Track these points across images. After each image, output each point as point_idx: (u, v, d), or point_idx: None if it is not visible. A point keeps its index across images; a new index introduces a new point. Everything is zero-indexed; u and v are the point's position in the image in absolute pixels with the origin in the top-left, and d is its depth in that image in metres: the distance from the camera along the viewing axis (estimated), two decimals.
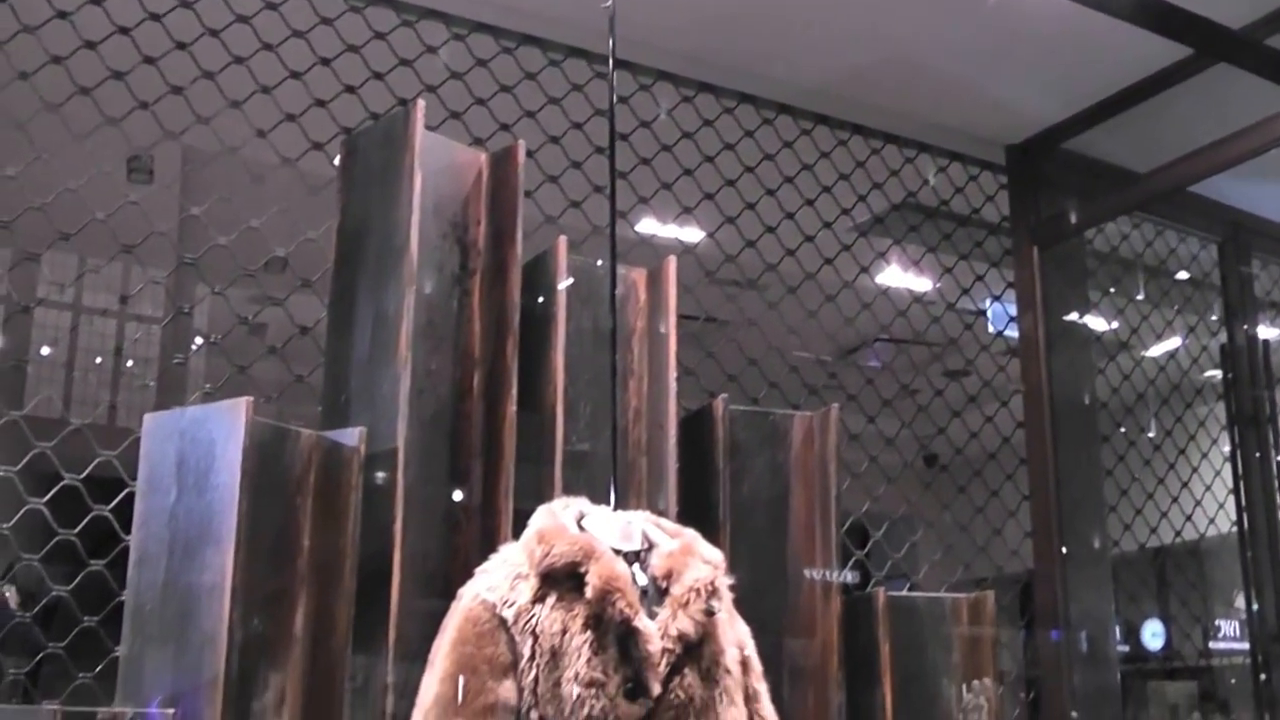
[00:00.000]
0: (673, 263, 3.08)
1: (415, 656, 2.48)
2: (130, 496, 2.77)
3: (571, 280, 2.91)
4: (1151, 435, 5.02)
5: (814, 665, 3.03)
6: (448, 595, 2.46)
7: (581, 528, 2.42)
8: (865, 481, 3.95)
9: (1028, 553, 4.33)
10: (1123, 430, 4.77)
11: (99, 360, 5.47)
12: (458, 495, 2.76)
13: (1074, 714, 4.15)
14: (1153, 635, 7.87)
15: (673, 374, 2.98)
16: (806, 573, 3.09)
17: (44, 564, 2.98)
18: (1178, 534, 4.84)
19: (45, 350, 5.04)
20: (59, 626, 3.00)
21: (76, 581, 3.00)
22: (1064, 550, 4.13)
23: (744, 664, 2.50)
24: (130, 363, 5.44)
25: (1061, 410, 4.24)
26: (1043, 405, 4.21)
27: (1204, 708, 7.37)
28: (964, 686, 3.17)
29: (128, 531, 2.64)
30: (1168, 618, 7.14)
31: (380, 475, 2.65)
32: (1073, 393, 4.32)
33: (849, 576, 3.11)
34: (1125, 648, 4.79)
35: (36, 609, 3.01)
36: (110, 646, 2.85)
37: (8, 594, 3.69)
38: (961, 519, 4.23)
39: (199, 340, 3.58)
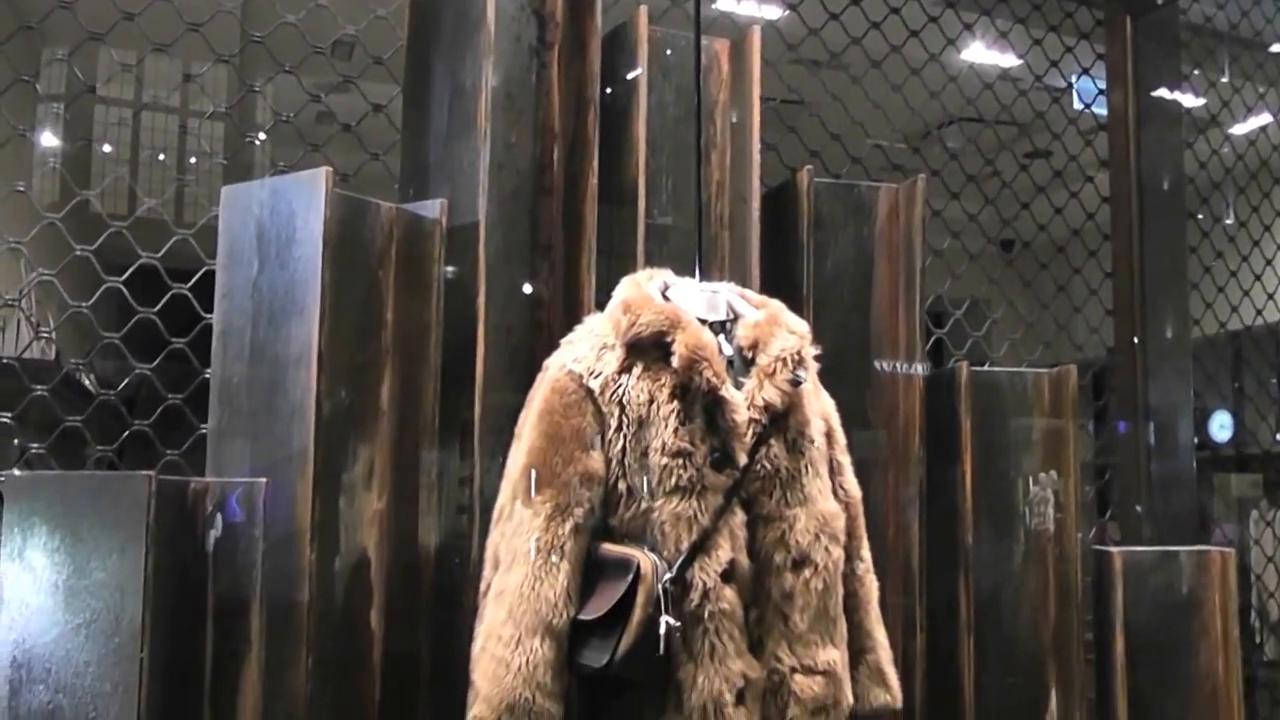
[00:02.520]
0: (757, 32, 2.98)
1: (502, 430, 2.50)
2: (205, 280, 2.78)
3: (640, 71, 2.82)
4: (1230, 221, 4.90)
5: (895, 440, 3.02)
6: (532, 368, 2.46)
7: (666, 298, 2.39)
8: (947, 260, 3.88)
9: (1103, 339, 4.28)
10: (1200, 216, 4.64)
11: (162, 156, 5.46)
12: (540, 269, 2.72)
13: (1138, 507, 4.14)
14: (1220, 427, 7.80)
15: (756, 146, 2.92)
16: (888, 355, 3.06)
17: (124, 344, 3.00)
18: (1259, 313, 4.75)
19: (107, 148, 5.02)
20: (143, 406, 3.03)
21: (158, 361, 3.02)
22: (1144, 331, 4.07)
23: (828, 436, 2.49)
24: (194, 160, 5.43)
25: (1148, 187, 4.13)
26: (1129, 181, 4.10)
27: (1271, 496, 7.36)
28: (1030, 479, 3.16)
29: (207, 311, 2.65)
30: (1240, 405, 7.07)
31: (462, 249, 2.63)
32: (1159, 170, 4.20)
33: (920, 368, 3.07)
34: (1194, 439, 4.74)
35: (120, 387, 3.04)
36: (196, 424, 2.88)
37: (86, 380, 3.73)
38: (1043, 298, 4.16)
39: (263, 135, 3.52)
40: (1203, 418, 7.37)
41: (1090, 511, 4.45)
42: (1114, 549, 3.34)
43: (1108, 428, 4.49)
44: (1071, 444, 3.19)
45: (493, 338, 2.62)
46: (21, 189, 3.06)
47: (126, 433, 2.98)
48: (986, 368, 3.29)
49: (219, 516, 2.31)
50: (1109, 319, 4.19)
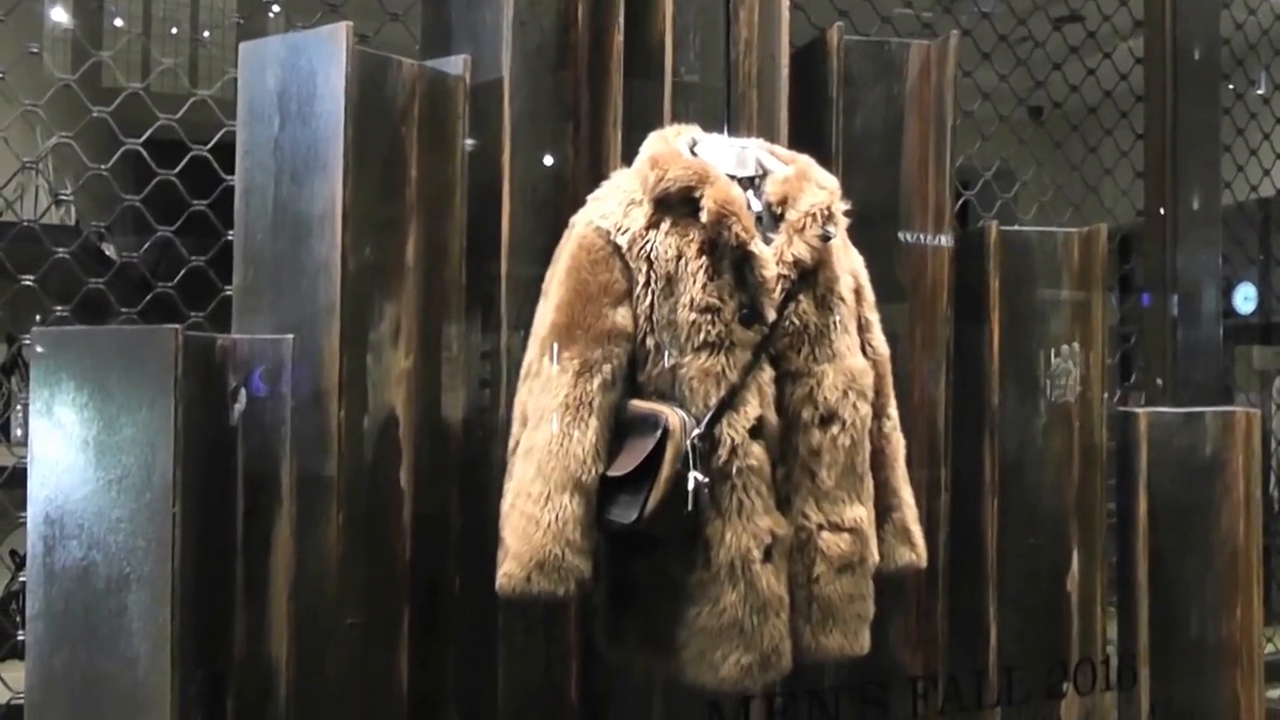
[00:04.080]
0: None
1: (528, 287, 2.48)
2: (223, 146, 2.74)
3: None
4: (1262, 91, 4.80)
5: (923, 300, 3.00)
6: (557, 229, 2.44)
7: (694, 154, 2.37)
8: (977, 122, 3.81)
9: (1133, 202, 4.22)
10: (1232, 86, 4.54)
11: (174, 30, 5.39)
12: (565, 127, 2.68)
13: (1158, 380, 4.12)
14: (1244, 299, 7.71)
15: (785, 3, 2.86)
16: (917, 214, 3.03)
17: (144, 207, 2.98)
18: None
19: (119, 21, 4.95)
20: (166, 270, 3.02)
21: (180, 223, 2.99)
22: (1174, 194, 4.01)
23: (857, 292, 2.48)
24: (208, 33, 5.35)
25: (1182, 49, 4.03)
26: (1164, 42, 4.00)
27: None
28: (1053, 351, 3.14)
29: (227, 173, 2.63)
30: (1267, 273, 6.99)
31: (485, 106, 2.59)
32: (1194, 32, 4.09)
33: (945, 239, 3.04)
34: (1220, 307, 4.68)
35: (142, 250, 3.02)
36: (220, 286, 2.87)
37: (106, 248, 3.72)
38: (1073, 160, 4.10)
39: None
40: (1227, 288, 7.30)
41: (1114, 376, 4.42)
42: (1139, 410, 3.33)
43: (1133, 293, 4.45)
44: (1100, 303, 3.17)
45: (518, 197, 2.59)
46: (35, 50, 3.02)
47: (149, 295, 2.97)
48: (1016, 228, 3.24)
49: (243, 391, 2.31)
50: (1139, 182, 4.13)
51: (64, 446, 2.12)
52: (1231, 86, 4.55)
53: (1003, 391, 3.06)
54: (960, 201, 3.47)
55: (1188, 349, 4.12)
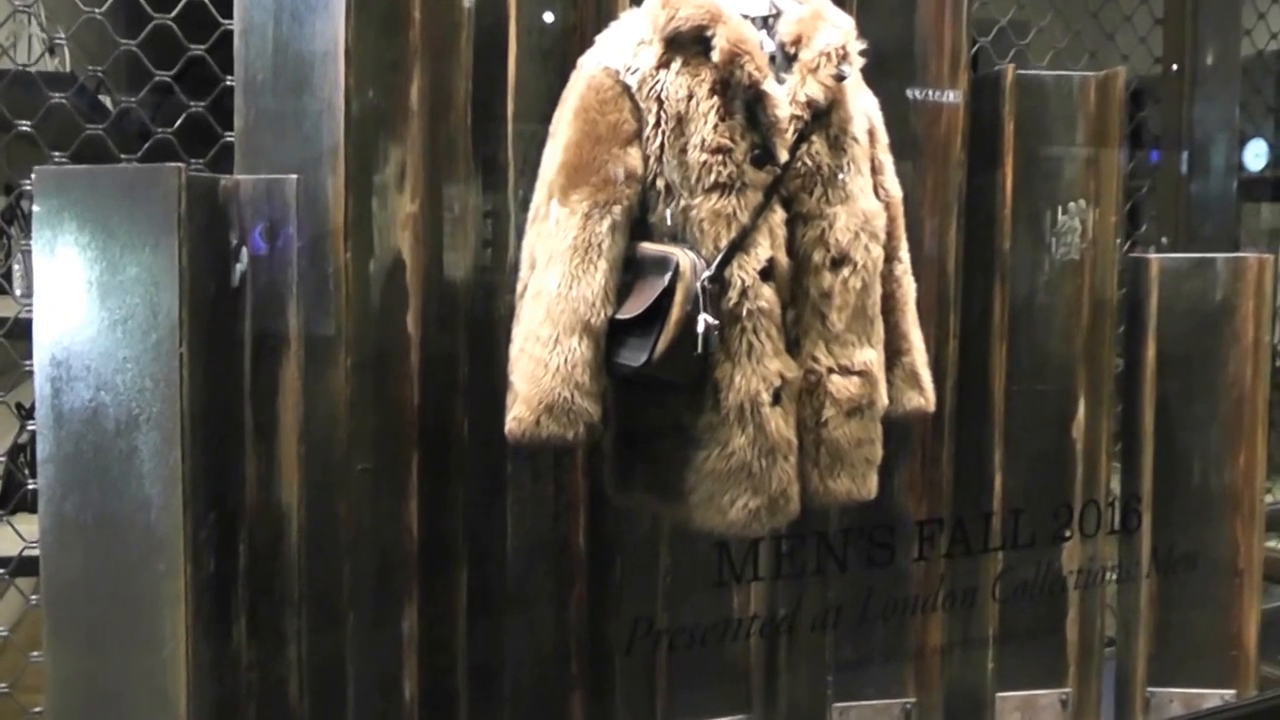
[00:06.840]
0: None
1: (536, 133, 2.45)
2: None
3: None
4: None
5: (936, 142, 2.96)
6: (565, 72, 2.39)
7: None
8: None
9: (1150, 50, 4.13)
10: None
11: None
12: None
13: (1163, 239, 4.09)
14: (1255, 155, 7.59)
15: None
16: (932, 57, 2.98)
17: (140, 51, 2.91)
18: None
19: None
20: (165, 117, 2.97)
21: (178, 69, 2.93)
22: (1194, 43, 3.94)
23: (870, 134, 2.45)
24: None
25: None
26: None
27: None
28: (1059, 209, 3.11)
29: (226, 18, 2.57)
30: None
31: None
32: None
33: (951, 96, 2.98)
34: (1235, 161, 4.61)
35: (140, 96, 2.96)
36: (220, 133, 2.82)
37: (104, 97, 3.66)
38: (1091, 5, 3.99)
39: None
40: (1240, 142, 7.19)
41: (1123, 226, 4.39)
42: (1150, 255, 3.31)
43: (1144, 146, 4.39)
44: (1114, 152, 3.13)
45: (524, 36, 2.54)
46: None
47: (148, 143, 2.92)
48: (1032, 71, 3.19)
49: (244, 250, 2.28)
50: (1158, 30, 4.04)
51: (68, 287, 2.09)
52: None
53: (1014, 238, 3.04)
54: (974, 48, 3.40)
55: (1198, 204, 4.09)
